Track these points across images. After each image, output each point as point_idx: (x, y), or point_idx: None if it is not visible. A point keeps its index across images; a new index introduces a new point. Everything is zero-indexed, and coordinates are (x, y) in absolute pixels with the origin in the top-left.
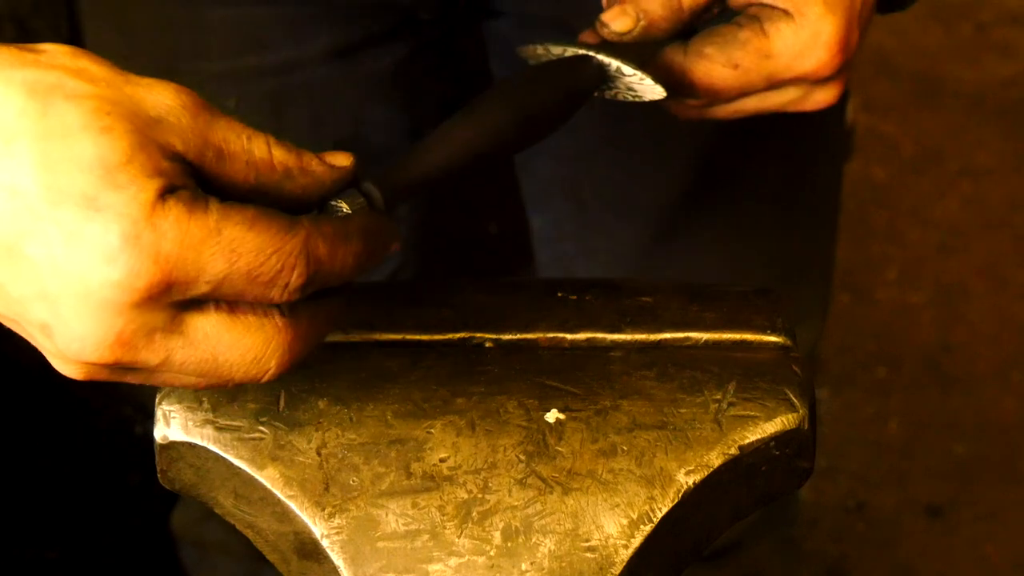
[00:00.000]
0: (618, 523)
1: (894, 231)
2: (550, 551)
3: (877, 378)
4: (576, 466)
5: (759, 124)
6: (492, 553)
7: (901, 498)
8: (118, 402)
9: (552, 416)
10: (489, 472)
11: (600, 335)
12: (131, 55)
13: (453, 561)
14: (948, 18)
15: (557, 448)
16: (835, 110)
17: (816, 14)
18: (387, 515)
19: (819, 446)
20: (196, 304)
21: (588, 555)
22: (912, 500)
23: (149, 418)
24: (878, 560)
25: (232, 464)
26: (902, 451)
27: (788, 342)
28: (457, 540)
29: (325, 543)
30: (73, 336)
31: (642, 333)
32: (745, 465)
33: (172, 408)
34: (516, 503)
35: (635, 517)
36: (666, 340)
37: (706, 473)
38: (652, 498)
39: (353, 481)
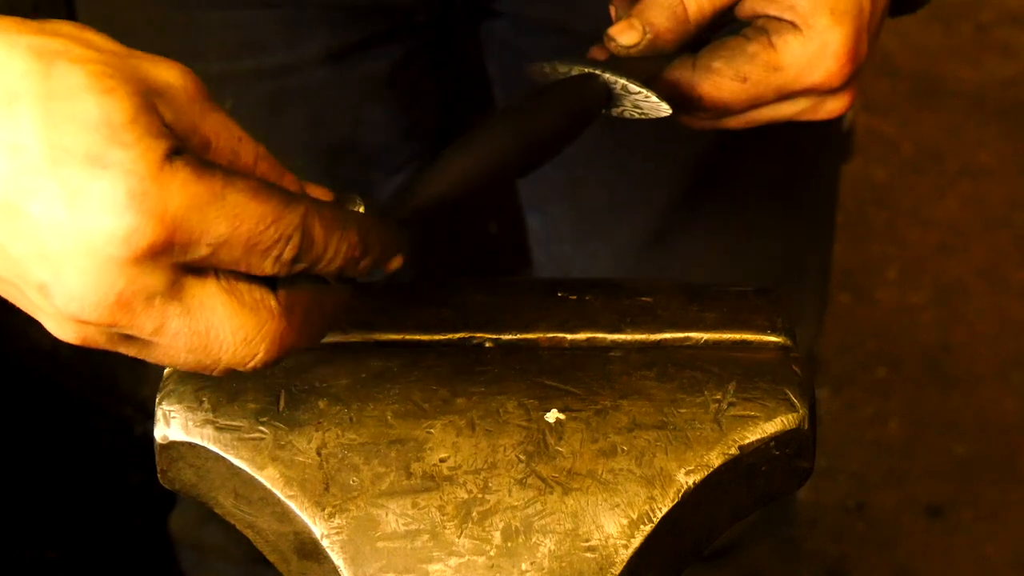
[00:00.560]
0: (618, 523)
1: (894, 231)
2: (550, 551)
3: (877, 378)
4: (576, 466)
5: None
6: (492, 553)
7: (901, 498)
8: (118, 402)
9: (552, 416)
10: (489, 472)
11: (600, 335)
12: None
13: (453, 561)
14: (948, 18)
15: (557, 448)
16: None
17: (823, 25)
18: (387, 515)
19: (819, 446)
20: (196, 271)
21: (588, 555)
22: (912, 500)
23: (149, 418)
24: (878, 560)
25: (232, 464)
26: (902, 451)
27: (788, 342)
28: (457, 540)
29: (325, 543)
30: (72, 295)
31: (642, 333)
32: (745, 465)
33: (172, 408)
34: (516, 503)
35: (635, 517)
36: (666, 340)
37: (706, 473)
38: (652, 498)
39: (353, 481)
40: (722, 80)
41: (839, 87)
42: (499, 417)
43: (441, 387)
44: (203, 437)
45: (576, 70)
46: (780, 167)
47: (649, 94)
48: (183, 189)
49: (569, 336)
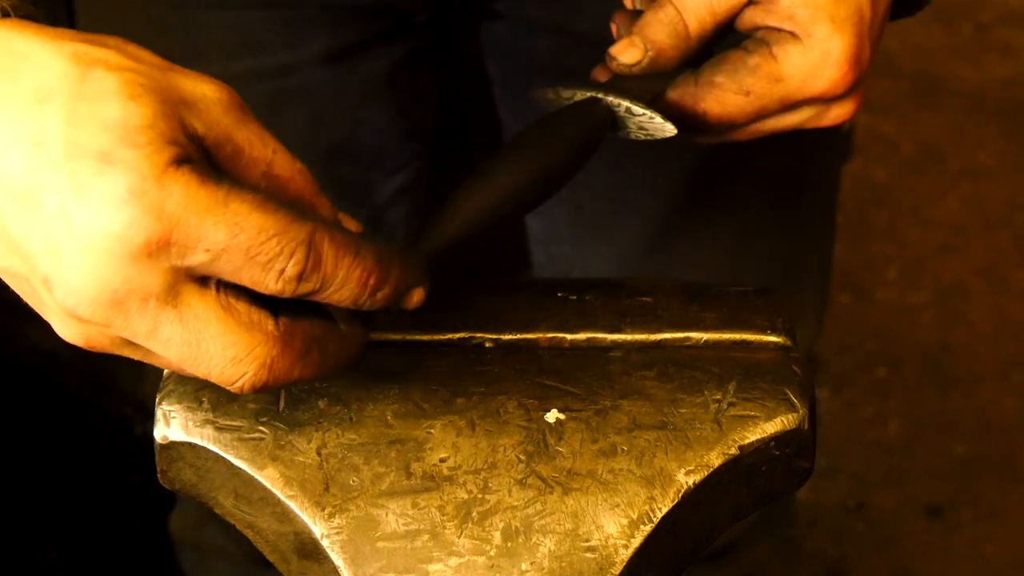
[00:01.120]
0: (618, 523)
1: (894, 231)
2: (550, 551)
3: (877, 378)
4: (576, 466)
5: None
6: (492, 553)
7: (901, 498)
8: (118, 402)
9: (552, 416)
10: (489, 472)
11: (600, 335)
12: None
13: (453, 561)
14: (948, 18)
15: (557, 448)
16: None
17: (824, 34)
18: (387, 515)
19: (819, 446)
20: (196, 281)
21: (588, 555)
22: (912, 500)
23: (149, 418)
24: (878, 560)
25: (232, 464)
26: (902, 451)
27: (788, 342)
28: (457, 540)
29: (325, 543)
30: (70, 289)
31: (642, 333)
32: (745, 465)
33: (172, 408)
34: (516, 503)
35: (635, 517)
36: (666, 340)
37: (706, 473)
38: (652, 498)
39: (353, 481)
40: (725, 95)
41: (843, 94)
42: (499, 417)
43: (441, 387)
44: (203, 437)
45: (580, 95)
46: (780, 168)
47: (653, 115)
48: (184, 191)
49: (569, 336)
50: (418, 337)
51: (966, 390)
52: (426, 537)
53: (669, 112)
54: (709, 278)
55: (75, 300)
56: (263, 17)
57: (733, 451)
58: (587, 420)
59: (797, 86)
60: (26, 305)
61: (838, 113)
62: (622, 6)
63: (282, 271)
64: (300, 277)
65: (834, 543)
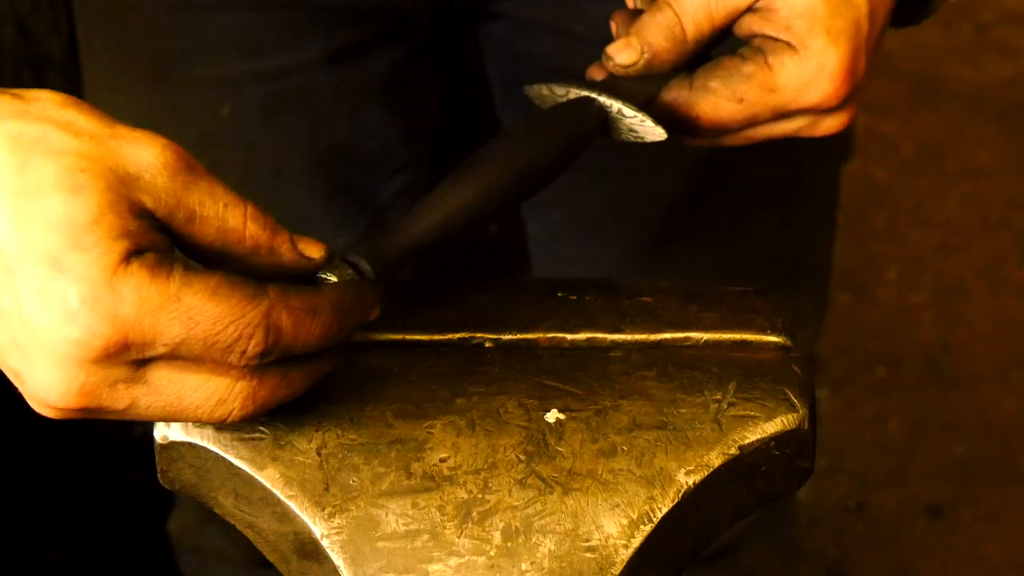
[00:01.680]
0: (618, 523)
1: (894, 231)
2: (550, 551)
3: (877, 378)
4: (576, 466)
5: None
6: (492, 553)
7: (901, 498)
8: None
9: (552, 416)
10: (489, 472)
11: (600, 335)
12: (124, 62)
13: (453, 561)
14: (948, 18)
15: (557, 448)
16: None
17: (819, 46)
18: (387, 515)
19: (819, 446)
20: (157, 358)
21: (588, 555)
22: (912, 500)
23: None
24: (878, 560)
25: (232, 464)
26: (902, 451)
27: (788, 342)
28: (457, 540)
29: (325, 543)
30: (39, 385)
31: (642, 333)
32: (745, 465)
33: None
34: (516, 503)
35: (635, 517)
36: (666, 340)
37: (706, 473)
38: (652, 498)
39: (353, 481)
40: (719, 100)
41: (836, 107)
42: (499, 417)
43: (441, 387)
44: (203, 437)
45: (572, 93)
46: (779, 168)
47: (644, 118)
48: (135, 293)
49: (569, 336)
50: (418, 337)
51: (966, 390)
52: (426, 537)
53: (662, 115)
54: (708, 279)
55: (45, 394)
56: (262, 19)
57: (733, 451)
58: (587, 420)
59: (791, 96)
60: None
61: (831, 124)
62: (621, 8)
63: (244, 351)
64: (261, 355)
65: (834, 543)
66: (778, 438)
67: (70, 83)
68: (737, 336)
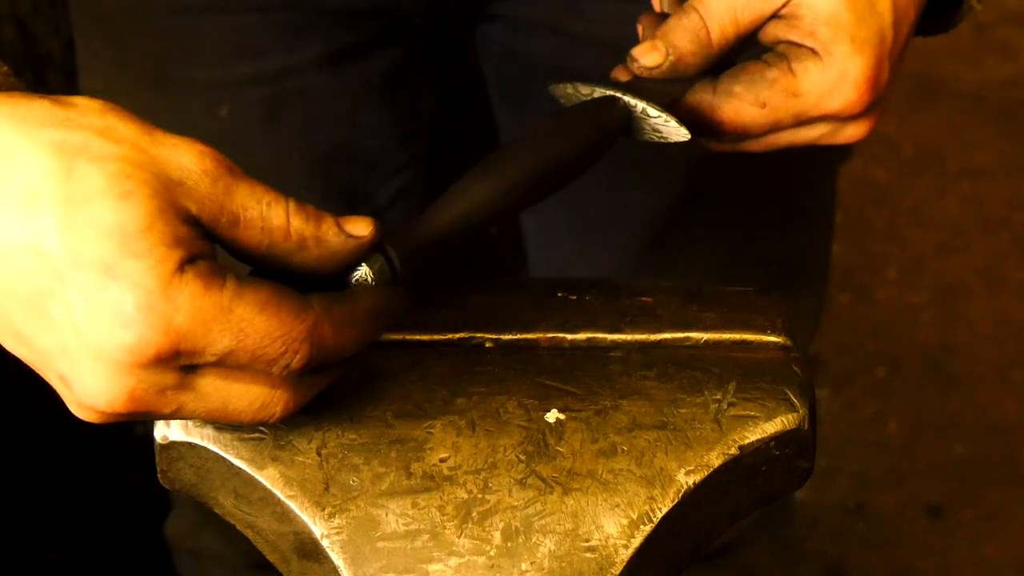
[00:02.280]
0: (618, 523)
1: (894, 231)
2: (550, 551)
3: (877, 378)
4: (576, 466)
5: None
6: (492, 553)
7: (901, 498)
8: None
9: (552, 416)
10: (489, 472)
11: (600, 335)
12: (122, 64)
13: (453, 561)
14: None
15: (557, 448)
16: None
17: (843, 53)
18: (387, 515)
19: (819, 446)
20: (205, 365)
21: (588, 555)
22: (912, 500)
23: None
24: (878, 560)
25: (232, 464)
26: (902, 451)
27: (788, 342)
28: (457, 540)
29: (325, 543)
30: (88, 390)
31: (642, 333)
32: (745, 465)
33: None
34: (516, 503)
35: (635, 517)
36: (666, 340)
37: (706, 473)
38: (652, 498)
39: (353, 481)
40: (742, 105)
41: (858, 114)
42: (499, 417)
43: (441, 387)
44: (203, 437)
45: (597, 92)
46: (778, 168)
47: (669, 118)
48: (189, 303)
49: (569, 336)
50: (418, 337)
51: (966, 390)
52: (426, 537)
53: (685, 117)
54: (708, 279)
55: (93, 400)
56: (260, 21)
57: (733, 451)
58: (587, 420)
59: (813, 103)
60: None
61: (853, 132)
62: (619, 9)
63: (287, 365)
64: (303, 368)
65: (834, 543)
66: (778, 438)
67: (70, 83)
68: (737, 336)
